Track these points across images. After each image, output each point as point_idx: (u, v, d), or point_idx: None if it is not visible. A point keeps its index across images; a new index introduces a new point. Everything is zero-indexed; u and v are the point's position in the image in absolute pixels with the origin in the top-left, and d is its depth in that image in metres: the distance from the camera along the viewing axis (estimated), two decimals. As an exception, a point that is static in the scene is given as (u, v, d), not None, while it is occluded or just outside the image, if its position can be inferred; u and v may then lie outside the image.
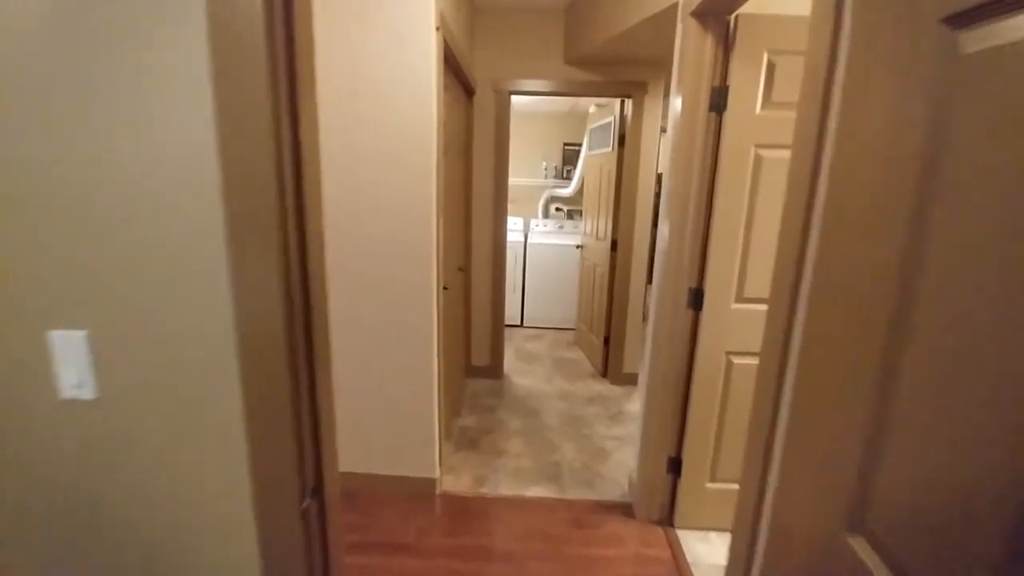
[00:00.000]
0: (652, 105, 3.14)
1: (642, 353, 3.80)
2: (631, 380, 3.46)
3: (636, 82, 3.08)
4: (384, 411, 2.19)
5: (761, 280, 1.78)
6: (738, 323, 1.81)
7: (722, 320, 1.81)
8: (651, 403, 2.00)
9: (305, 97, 0.80)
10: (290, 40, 0.75)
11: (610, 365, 3.52)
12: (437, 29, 1.85)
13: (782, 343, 0.96)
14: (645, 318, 3.45)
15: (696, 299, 1.84)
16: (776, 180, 1.73)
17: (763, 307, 1.83)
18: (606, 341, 3.55)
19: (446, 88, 2.27)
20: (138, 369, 0.70)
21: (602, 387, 3.45)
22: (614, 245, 3.38)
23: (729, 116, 1.71)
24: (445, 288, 2.35)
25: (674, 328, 1.89)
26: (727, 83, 1.72)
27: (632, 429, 2.86)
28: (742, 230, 1.76)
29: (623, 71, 3.07)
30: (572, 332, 4.59)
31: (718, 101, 1.74)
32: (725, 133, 1.73)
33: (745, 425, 1.93)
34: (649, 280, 3.58)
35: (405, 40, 1.84)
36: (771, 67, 1.68)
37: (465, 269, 3.28)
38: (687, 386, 1.92)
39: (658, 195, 2.94)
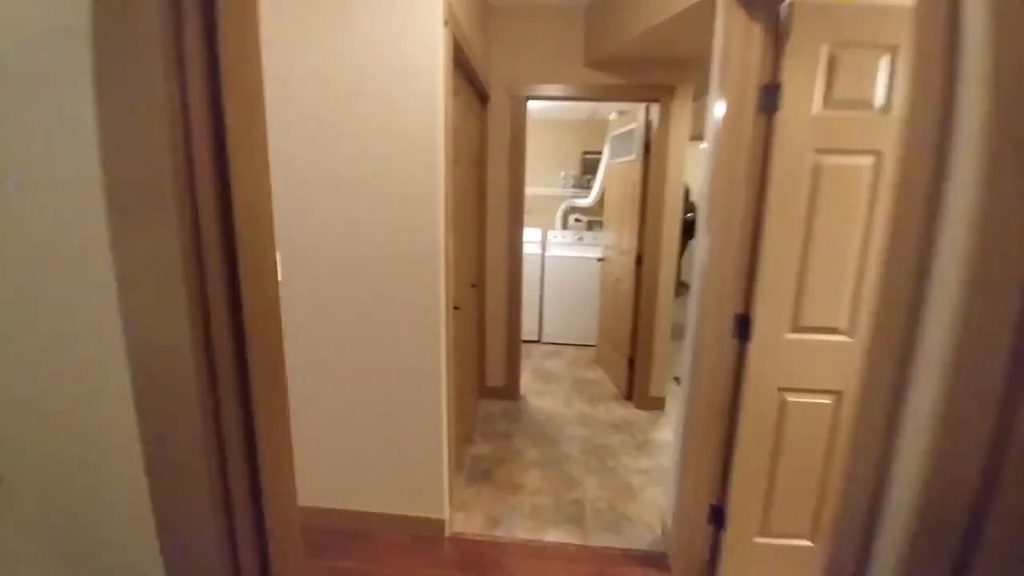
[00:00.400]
0: (680, 110, 2.92)
1: (670, 375, 3.56)
2: (658, 405, 3.21)
3: (663, 85, 2.87)
4: (386, 444, 1.99)
5: (823, 307, 1.54)
6: (794, 356, 1.57)
7: (774, 352, 1.57)
8: (689, 442, 1.76)
9: (234, 81, 0.60)
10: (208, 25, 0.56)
11: (635, 387, 3.28)
12: (445, 23, 1.67)
13: (892, 381, 0.72)
14: (674, 337, 3.20)
15: (742, 327, 1.60)
16: (840, 189, 1.50)
17: (825, 338, 1.57)
18: (631, 362, 3.30)
19: (457, 92, 2.08)
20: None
21: (626, 412, 3.21)
22: (639, 259, 3.15)
23: (782, 118, 1.49)
24: (456, 308, 2.16)
25: (715, 359, 1.65)
26: (778, 80, 1.50)
27: (662, 461, 2.60)
28: (798, 248, 1.52)
29: (649, 73, 2.86)
30: (593, 349, 4.35)
31: (768, 101, 1.51)
32: (777, 137, 1.50)
33: (804, 473, 1.69)
34: (677, 295, 3.34)
35: (409, 34, 1.66)
36: (832, 61, 1.45)
37: (479, 285, 3.08)
38: (731, 425, 1.68)
39: (688, 207, 2.73)
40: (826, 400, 1.60)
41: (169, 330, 0.56)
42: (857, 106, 1.48)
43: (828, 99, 1.47)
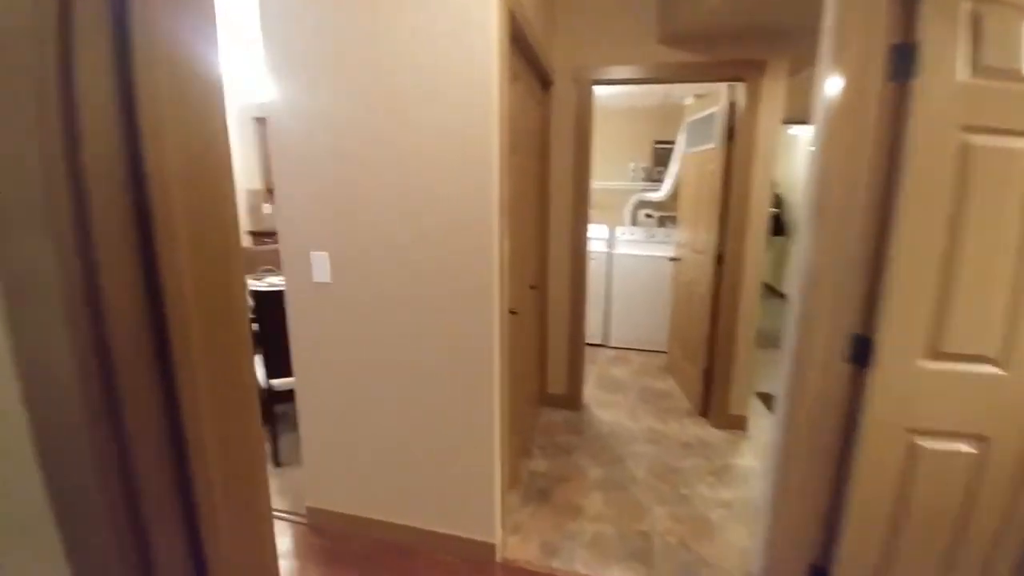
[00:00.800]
0: (771, 89, 2.54)
1: (754, 391, 3.18)
2: (738, 424, 2.86)
3: (751, 61, 2.51)
4: (434, 455, 1.86)
5: (969, 328, 1.20)
6: (929, 389, 1.24)
7: (903, 383, 1.25)
8: (783, 484, 1.47)
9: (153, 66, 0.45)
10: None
11: (711, 403, 2.94)
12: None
13: None
14: (759, 347, 2.83)
15: (860, 350, 1.29)
16: (995, 178, 1.15)
17: (971, 368, 1.20)
18: (707, 373, 2.97)
19: (516, 77, 1.90)
20: None
21: (701, 430, 2.88)
22: (719, 259, 2.81)
23: (921, 86, 1.16)
24: (513, 312, 1.98)
25: (821, 386, 1.35)
26: (915, 38, 1.17)
27: (744, 493, 2.28)
28: (939, 252, 1.19)
29: (733, 48, 2.51)
30: (663, 356, 4.02)
31: (902, 64, 1.18)
32: (914, 110, 1.17)
33: (934, 538, 1.33)
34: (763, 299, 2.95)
35: (459, 13, 1.49)
36: (977, 19, 1.11)
37: (539, 286, 2.89)
38: (841, 469, 1.37)
39: (777, 202, 2.35)
40: (969, 448, 1.25)
41: (46, 347, 0.44)
42: (1013, 77, 1.13)
43: (976, 65, 1.13)
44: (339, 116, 1.66)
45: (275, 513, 2.13)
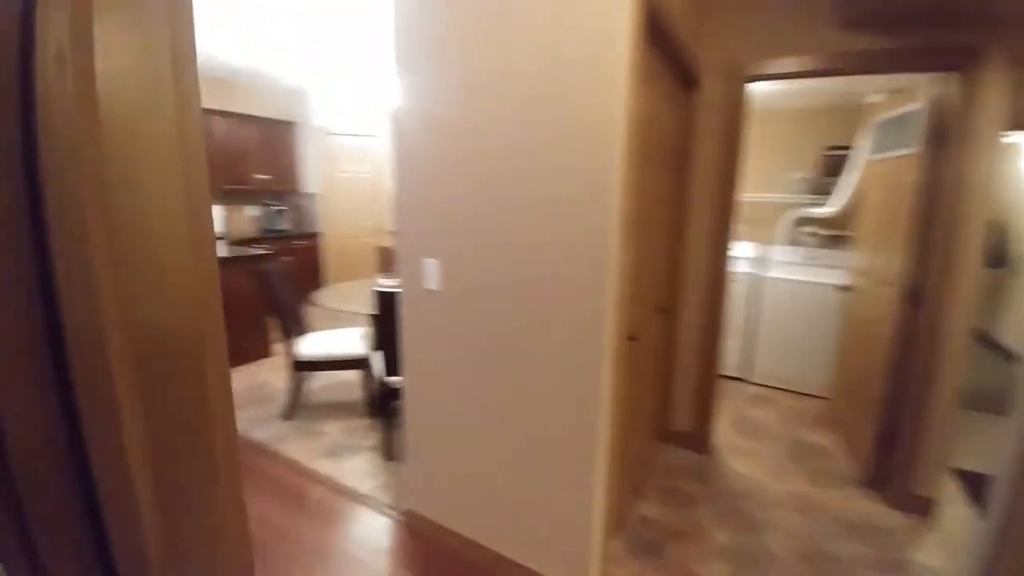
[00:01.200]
0: (991, 84, 1.92)
1: (948, 470, 2.45)
2: (923, 507, 2.20)
3: (964, 48, 1.92)
4: (530, 483, 1.71)
5: None
6: None
7: None
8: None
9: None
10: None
11: (887, 474, 2.32)
12: (636, -17, 1.29)
13: None
14: (965, 409, 2.16)
15: None
16: None
17: None
18: (884, 436, 2.36)
19: (651, 77, 1.68)
20: None
21: (870, 507, 2.29)
22: (915, 294, 2.21)
23: None
24: (632, 339, 1.76)
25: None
26: None
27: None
28: None
29: (937, 32, 1.95)
30: (820, 402, 3.36)
31: None
32: None
33: None
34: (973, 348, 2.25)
35: (588, 3, 1.34)
36: None
37: (670, 310, 2.58)
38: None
39: (996, 226, 1.73)
40: None
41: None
42: None
43: None
44: (458, 120, 1.62)
45: (381, 508, 2.17)
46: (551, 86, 1.43)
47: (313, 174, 5.85)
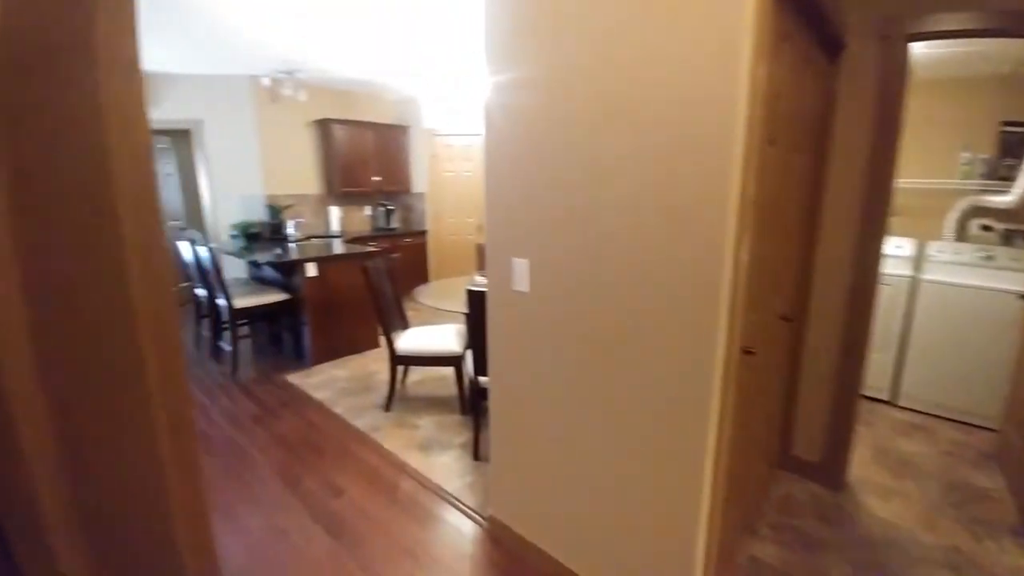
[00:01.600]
0: None
1: None
2: None
3: None
4: (622, 506, 1.54)
5: None
6: None
7: None
8: None
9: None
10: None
11: (1105, 543, 1.77)
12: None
13: None
14: None
15: None
16: None
17: None
18: (1099, 492, 1.80)
19: (783, 39, 1.40)
20: None
21: (1074, 581, 1.76)
22: None
23: None
24: (748, 352, 1.50)
25: None
26: None
27: None
28: None
29: None
30: (989, 435, 2.71)
31: None
32: None
33: None
34: None
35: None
36: None
37: (795, 317, 2.22)
38: None
39: None
40: None
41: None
42: None
43: None
44: (549, 108, 1.49)
45: (465, 509, 2.14)
46: (659, 61, 1.24)
47: (421, 174, 6.11)
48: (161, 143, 5.59)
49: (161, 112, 5.07)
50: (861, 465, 2.47)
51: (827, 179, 2.18)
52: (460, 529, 2.05)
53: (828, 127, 2.13)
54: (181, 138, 5.92)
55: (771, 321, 1.80)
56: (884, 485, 2.33)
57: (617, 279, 1.42)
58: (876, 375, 3.13)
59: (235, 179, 5.30)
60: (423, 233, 6.15)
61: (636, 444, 1.46)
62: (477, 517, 2.09)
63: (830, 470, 2.33)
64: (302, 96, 4.58)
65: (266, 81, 4.44)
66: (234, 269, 5.25)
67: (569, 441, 1.64)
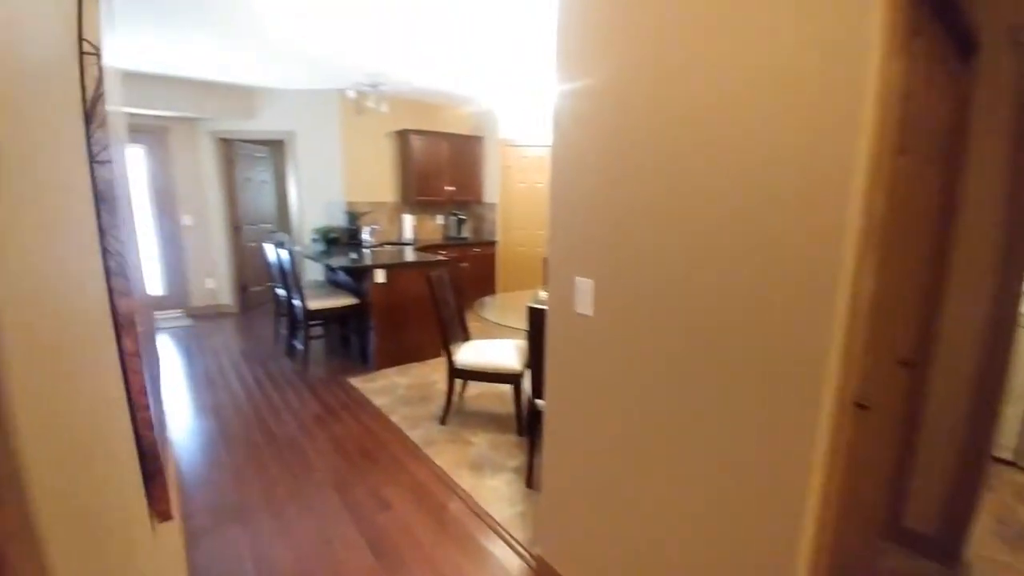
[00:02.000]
0: None
1: None
2: None
3: None
4: (687, 566, 1.32)
5: None
6: None
7: None
8: None
9: None
10: None
11: None
12: None
13: None
14: None
15: None
16: None
17: None
18: None
19: (911, 38, 1.15)
20: None
21: None
22: None
23: None
24: (861, 407, 1.24)
25: None
26: None
27: None
28: None
29: None
30: None
31: None
32: None
33: None
34: None
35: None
36: None
37: (916, 362, 1.87)
38: None
39: None
40: None
41: None
42: None
43: None
44: (623, 116, 1.33)
45: (512, 543, 2.00)
46: (761, 59, 1.05)
47: (493, 185, 6.12)
48: (260, 152, 6.04)
49: (260, 123, 5.47)
50: (981, 539, 2.02)
51: (963, 197, 1.82)
52: (504, 566, 1.90)
53: (963, 135, 1.78)
54: (276, 148, 6.35)
55: (889, 367, 1.50)
56: (1005, 563, 1.89)
57: (698, 308, 1.22)
58: (1002, 431, 2.60)
59: (320, 186, 5.60)
60: (493, 243, 6.13)
61: (714, 501, 1.25)
62: (525, 554, 1.94)
63: (944, 544, 1.93)
64: (384, 108, 4.73)
65: (351, 94, 4.64)
66: (313, 271, 5.52)
67: (627, 487, 1.45)
